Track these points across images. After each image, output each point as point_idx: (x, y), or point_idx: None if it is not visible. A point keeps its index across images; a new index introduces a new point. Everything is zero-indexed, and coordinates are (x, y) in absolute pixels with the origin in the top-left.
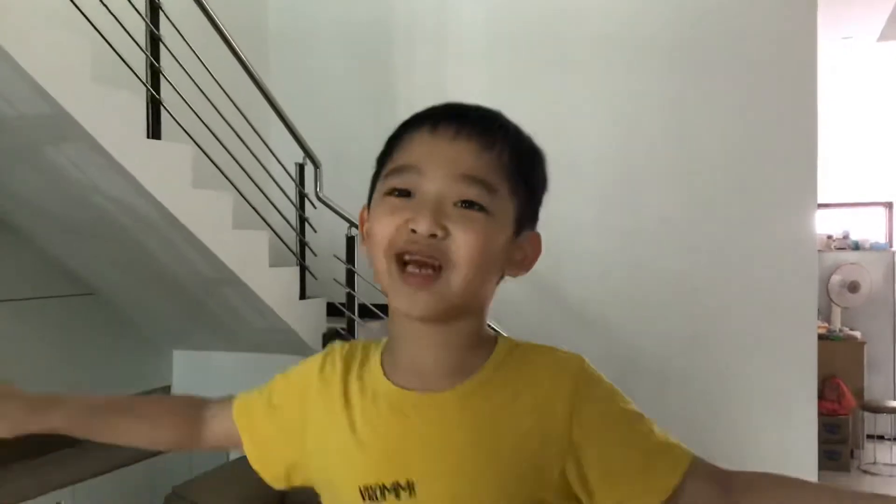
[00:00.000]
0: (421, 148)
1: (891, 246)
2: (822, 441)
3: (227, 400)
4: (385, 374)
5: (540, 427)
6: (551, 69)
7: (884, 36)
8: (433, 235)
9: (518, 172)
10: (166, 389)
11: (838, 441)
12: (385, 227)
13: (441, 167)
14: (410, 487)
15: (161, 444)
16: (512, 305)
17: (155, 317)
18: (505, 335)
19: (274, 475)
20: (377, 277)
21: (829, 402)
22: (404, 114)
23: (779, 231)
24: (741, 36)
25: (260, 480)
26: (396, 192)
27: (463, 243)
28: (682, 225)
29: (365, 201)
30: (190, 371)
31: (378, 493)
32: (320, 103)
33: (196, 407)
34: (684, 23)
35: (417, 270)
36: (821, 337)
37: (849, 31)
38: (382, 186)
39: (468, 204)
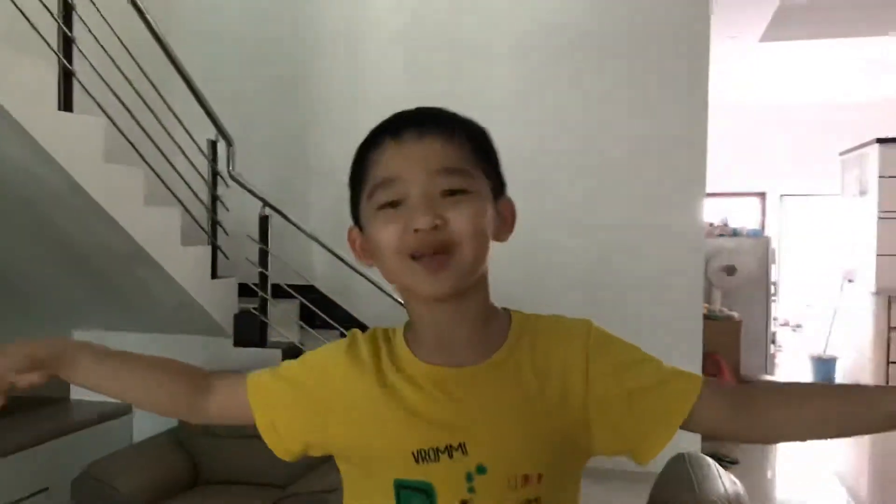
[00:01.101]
0: (393, 158)
1: (764, 233)
2: None
3: (237, 377)
4: (416, 355)
5: (562, 386)
6: (461, 53)
7: (766, 37)
8: (434, 227)
9: (479, 152)
10: None
11: None
12: (389, 235)
13: (417, 169)
14: (462, 447)
15: (170, 403)
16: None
17: (55, 295)
18: (512, 308)
19: (287, 451)
20: (391, 278)
21: (709, 376)
22: (316, 98)
23: (671, 218)
24: (641, 35)
25: (170, 463)
26: (388, 205)
27: (461, 225)
28: (583, 211)
29: (271, 186)
30: None
31: (432, 454)
32: (231, 83)
33: (205, 376)
34: (586, 20)
35: (431, 259)
36: (704, 317)
37: (735, 31)
38: (371, 204)
39: (452, 192)
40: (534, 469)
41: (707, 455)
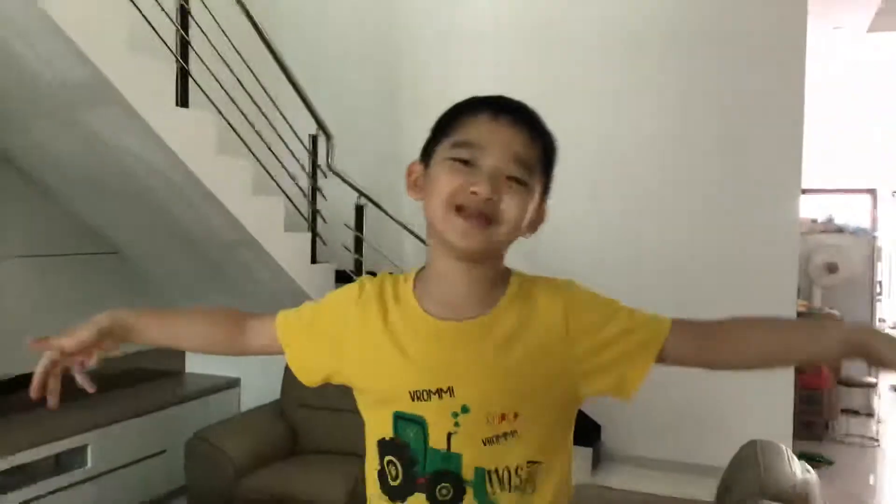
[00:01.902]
0: (484, 130)
1: (874, 231)
2: (800, 412)
3: (270, 317)
4: (420, 305)
5: (547, 339)
6: (553, 53)
7: (873, 27)
8: (489, 199)
9: (547, 161)
10: None
11: (815, 413)
12: (448, 184)
13: (499, 148)
14: (450, 391)
15: (213, 344)
16: None
17: (173, 276)
18: (516, 270)
19: (310, 380)
20: (431, 218)
21: (808, 376)
22: (411, 95)
23: (764, 213)
24: (733, 25)
25: (272, 432)
26: (461, 161)
27: (510, 207)
28: (673, 205)
29: (367, 178)
30: None
31: (424, 395)
32: (332, 80)
33: (242, 317)
34: (679, 11)
35: (472, 219)
36: (801, 315)
37: (839, 21)
38: (446, 153)
39: (516, 180)
40: (510, 409)
41: (799, 455)
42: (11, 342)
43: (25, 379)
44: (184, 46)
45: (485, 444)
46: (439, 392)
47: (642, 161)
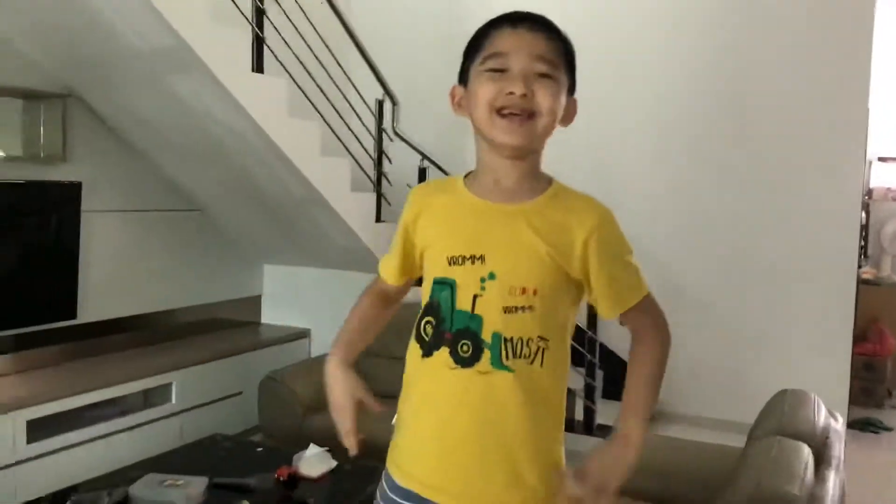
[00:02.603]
0: (508, 39)
1: None
2: (861, 378)
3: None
4: (469, 191)
5: (569, 240)
6: (618, 15)
7: None
8: (524, 95)
9: (567, 55)
10: (257, 299)
11: (875, 380)
12: (488, 91)
13: (523, 51)
14: (482, 258)
15: (385, 320)
16: None
17: (251, 234)
18: (557, 180)
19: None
20: (477, 125)
21: (870, 343)
22: None
23: (826, 181)
24: None
25: None
26: (494, 71)
27: (544, 99)
28: (735, 171)
29: (431, 142)
30: (278, 283)
31: (459, 260)
32: (399, 47)
33: (381, 291)
34: None
35: (514, 117)
36: (868, 282)
37: None
38: (482, 67)
39: (544, 75)
40: (530, 284)
41: (860, 421)
42: (105, 289)
43: (118, 322)
44: (259, 16)
45: (504, 312)
46: (472, 258)
47: (706, 125)
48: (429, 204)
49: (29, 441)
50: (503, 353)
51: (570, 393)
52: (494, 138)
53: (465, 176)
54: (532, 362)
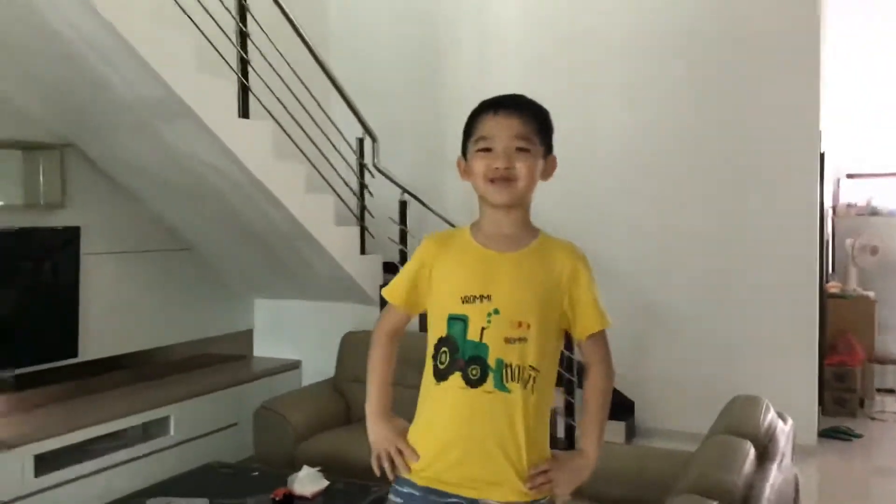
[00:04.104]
0: (491, 125)
1: None
2: (833, 389)
3: (386, 310)
4: (475, 240)
5: (556, 278)
6: (578, 52)
7: None
8: (507, 168)
9: (541, 126)
10: (249, 333)
11: (847, 390)
12: (481, 166)
13: (504, 134)
14: (489, 297)
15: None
16: None
17: (241, 269)
18: (543, 230)
19: (415, 312)
20: (477, 189)
21: (840, 355)
22: (449, 97)
23: (786, 200)
24: (747, 27)
25: (328, 403)
26: (483, 150)
27: (522, 168)
28: (701, 192)
29: (410, 175)
30: (269, 316)
31: (471, 299)
32: (376, 87)
33: (389, 332)
34: (697, 11)
35: (501, 181)
36: (834, 296)
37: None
38: (474, 147)
39: (521, 149)
40: (526, 318)
41: (830, 430)
42: (105, 328)
43: (117, 359)
44: (244, 64)
45: (505, 342)
46: (482, 297)
47: (673, 148)
48: (444, 250)
49: (37, 475)
50: (504, 376)
51: (552, 412)
52: (489, 199)
53: (471, 226)
54: (525, 387)
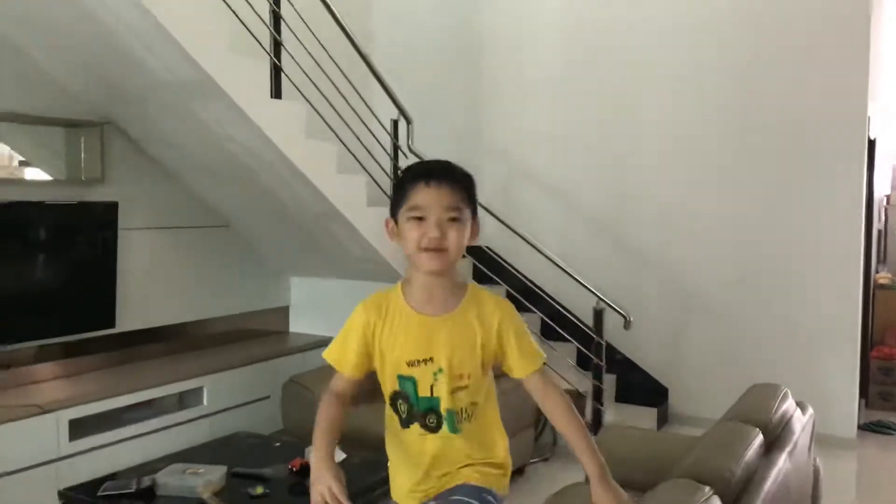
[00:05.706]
0: (423, 195)
1: None
2: (878, 382)
3: (334, 378)
4: (409, 305)
5: (487, 332)
6: (619, 37)
7: None
8: (439, 237)
9: (468, 195)
10: (285, 309)
11: (893, 384)
12: (414, 234)
13: (436, 205)
14: (431, 360)
15: (347, 417)
16: (582, 252)
17: (277, 248)
18: (469, 282)
19: (364, 374)
20: (409, 257)
21: (887, 347)
22: (486, 82)
23: (831, 187)
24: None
25: None
26: (416, 219)
27: (453, 237)
28: (738, 177)
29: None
30: (304, 294)
31: (416, 363)
32: (412, 69)
33: (337, 397)
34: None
35: (433, 251)
36: (884, 287)
37: None
38: (407, 214)
39: (452, 219)
40: (465, 370)
41: (872, 423)
42: (142, 301)
43: (154, 331)
44: (276, 46)
45: (452, 393)
46: (426, 361)
47: (710, 134)
48: (383, 320)
49: (71, 438)
50: (456, 420)
51: (580, 396)
52: (421, 266)
53: (402, 286)
54: (470, 420)
